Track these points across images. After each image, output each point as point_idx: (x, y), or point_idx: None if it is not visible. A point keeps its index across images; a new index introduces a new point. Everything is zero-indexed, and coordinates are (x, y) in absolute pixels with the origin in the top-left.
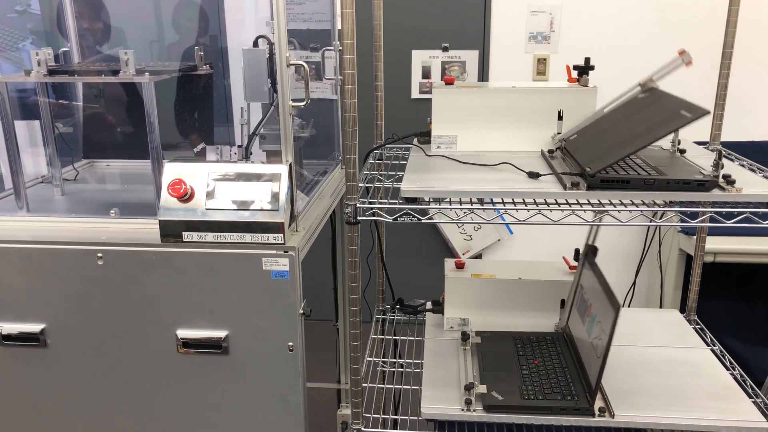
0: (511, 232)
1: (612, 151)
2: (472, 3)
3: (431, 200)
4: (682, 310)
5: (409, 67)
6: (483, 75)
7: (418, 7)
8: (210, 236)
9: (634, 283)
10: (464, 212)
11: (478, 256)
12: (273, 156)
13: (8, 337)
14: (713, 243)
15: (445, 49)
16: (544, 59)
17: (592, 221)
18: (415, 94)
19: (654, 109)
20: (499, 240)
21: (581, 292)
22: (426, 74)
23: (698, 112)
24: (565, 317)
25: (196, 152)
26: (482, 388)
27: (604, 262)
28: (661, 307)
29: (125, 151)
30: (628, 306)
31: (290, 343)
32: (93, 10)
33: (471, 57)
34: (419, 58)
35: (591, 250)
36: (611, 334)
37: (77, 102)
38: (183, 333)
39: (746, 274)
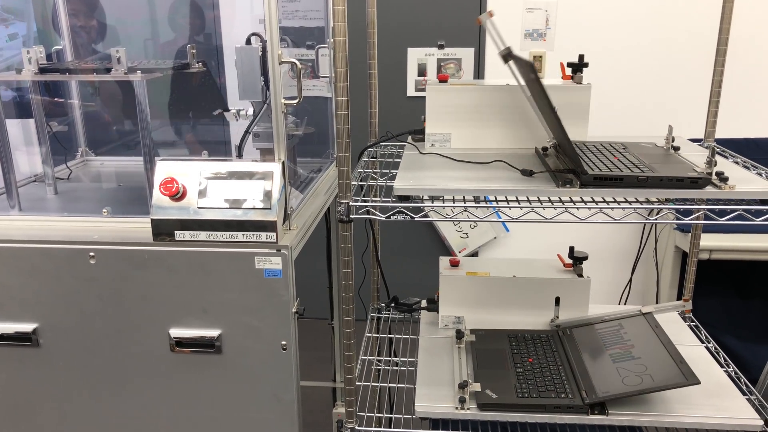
0: (508, 230)
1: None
2: (468, 0)
3: (424, 198)
4: None
5: (404, 65)
6: (479, 72)
7: (414, 4)
8: (202, 235)
9: (630, 280)
10: (459, 210)
11: (475, 254)
12: (266, 154)
13: (0, 337)
14: (709, 240)
15: (441, 47)
16: (540, 56)
17: (586, 219)
18: (410, 91)
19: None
20: (495, 237)
21: (620, 329)
22: (422, 71)
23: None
24: (570, 323)
25: (215, 114)
26: (476, 386)
27: (600, 259)
28: (657, 304)
29: (129, 149)
30: (624, 303)
31: (283, 342)
32: (87, 9)
33: (467, 54)
34: (415, 55)
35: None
36: (661, 389)
37: (72, 100)
38: (176, 332)
39: (742, 271)
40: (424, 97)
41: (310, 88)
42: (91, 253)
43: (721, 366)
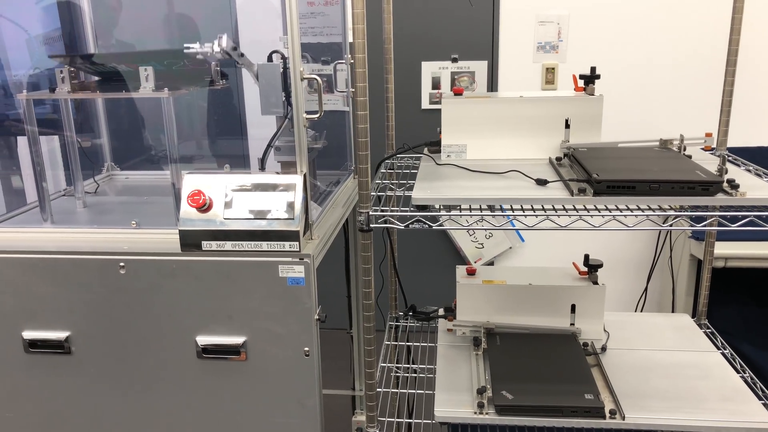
0: (522, 240)
1: (624, 171)
2: (481, 14)
3: (441, 207)
4: (695, 315)
5: (419, 78)
6: (492, 85)
7: (428, 19)
8: (228, 245)
9: (646, 288)
10: (475, 219)
11: (490, 264)
12: (288, 167)
13: (34, 345)
14: (724, 248)
15: (455, 60)
16: (553, 68)
17: (599, 226)
18: (425, 104)
19: (669, 163)
20: (510, 248)
21: None
22: (436, 85)
23: (711, 177)
24: None
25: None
26: (494, 392)
27: (616, 268)
28: (673, 312)
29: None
30: (641, 311)
31: (306, 348)
32: (111, 27)
33: (480, 67)
34: (429, 69)
35: None
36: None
37: (101, 117)
38: (202, 339)
39: (759, 279)
40: (438, 110)
41: (326, 103)
42: (121, 264)
43: (737, 372)
